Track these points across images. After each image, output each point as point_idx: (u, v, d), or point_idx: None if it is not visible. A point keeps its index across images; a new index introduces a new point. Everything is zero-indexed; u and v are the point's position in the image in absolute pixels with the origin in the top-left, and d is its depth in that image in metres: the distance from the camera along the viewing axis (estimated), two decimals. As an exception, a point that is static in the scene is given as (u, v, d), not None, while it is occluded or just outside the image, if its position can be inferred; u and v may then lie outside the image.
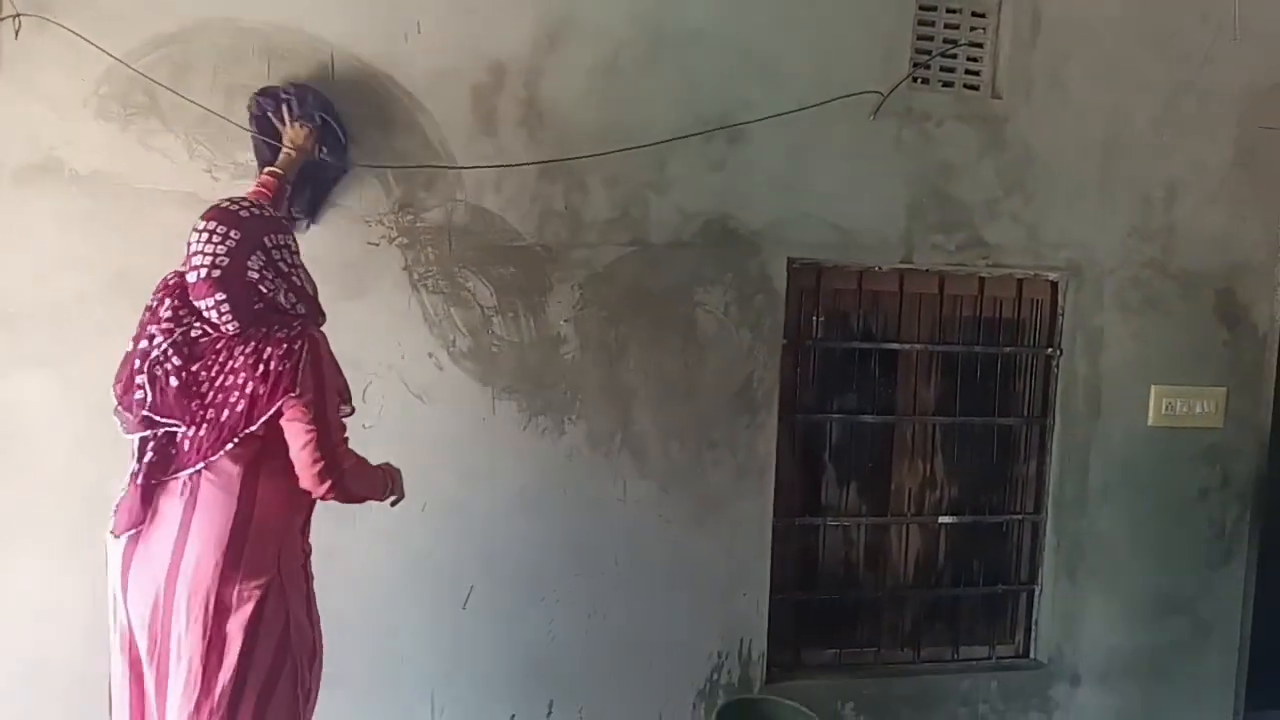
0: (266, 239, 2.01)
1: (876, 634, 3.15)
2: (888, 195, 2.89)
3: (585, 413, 2.73)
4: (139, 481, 1.97)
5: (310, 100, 2.46)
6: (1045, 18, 2.96)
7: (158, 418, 1.97)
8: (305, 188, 2.51)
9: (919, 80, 2.90)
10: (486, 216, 2.64)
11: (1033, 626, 3.20)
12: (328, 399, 2.00)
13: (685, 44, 2.72)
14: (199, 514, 1.96)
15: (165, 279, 2.08)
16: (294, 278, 2.06)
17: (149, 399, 1.96)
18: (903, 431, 3.13)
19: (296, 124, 2.43)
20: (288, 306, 2.02)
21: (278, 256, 2.02)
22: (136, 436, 1.99)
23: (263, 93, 2.45)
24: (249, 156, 2.48)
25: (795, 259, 2.85)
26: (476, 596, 2.70)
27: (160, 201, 2.46)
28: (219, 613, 1.94)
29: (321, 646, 2.13)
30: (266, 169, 2.39)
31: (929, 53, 2.91)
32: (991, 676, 3.11)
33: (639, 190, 2.73)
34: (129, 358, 2.03)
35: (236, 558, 1.95)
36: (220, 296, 1.95)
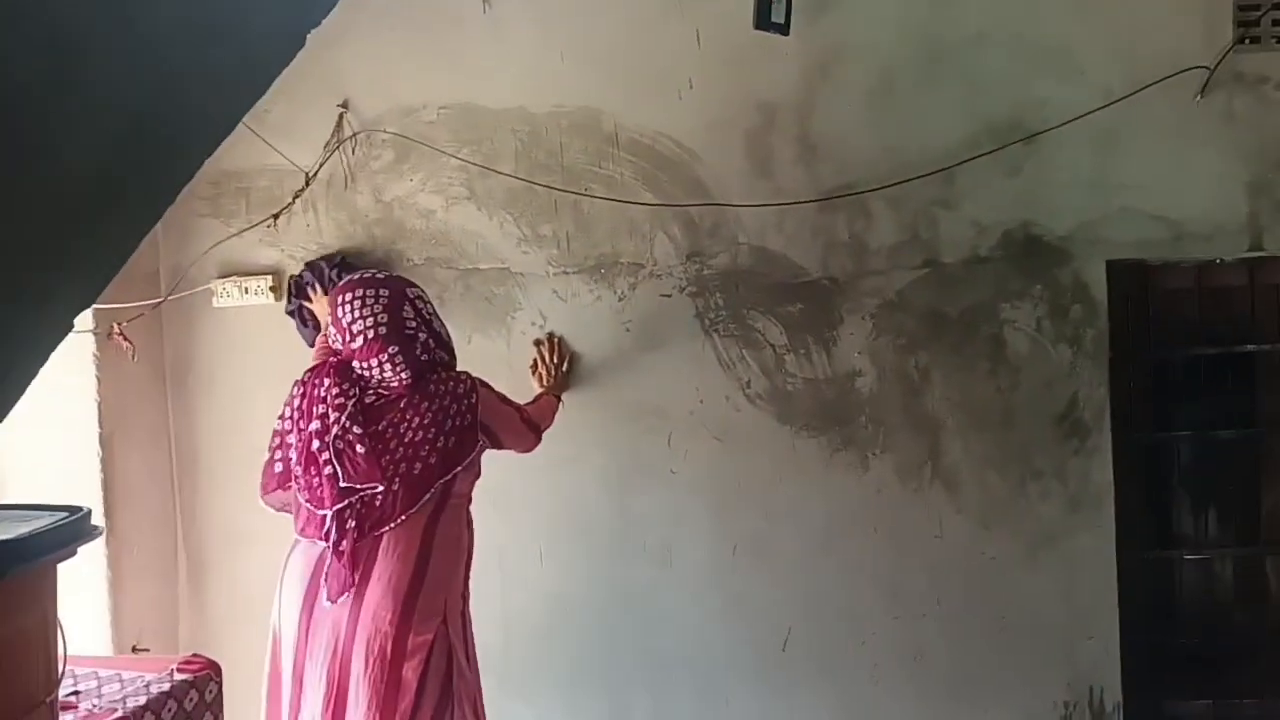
0: (407, 290, 2.21)
1: (1259, 683, 2.69)
2: (1223, 176, 2.51)
3: (890, 446, 2.62)
4: (344, 548, 2.03)
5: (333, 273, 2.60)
6: None
7: (357, 485, 2.06)
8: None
9: (1247, 40, 2.51)
10: (770, 256, 2.64)
11: None
12: (508, 405, 2.28)
13: (965, 49, 2.57)
14: (380, 563, 2.05)
15: (300, 380, 2.20)
16: (434, 324, 2.23)
17: (339, 472, 2.06)
18: (1271, 447, 2.69)
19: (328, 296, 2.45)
20: (434, 348, 2.19)
21: (420, 306, 2.21)
22: (332, 511, 2.06)
23: (309, 266, 2.68)
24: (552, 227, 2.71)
25: (1115, 261, 2.56)
26: (794, 639, 2.65)
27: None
28: (395, 658, 2.02)
29: (480, 690, 2.22)
30: (323, 343, 2.34)
31: (1257, 7, 2.52)
32: None
33: (926, 209, 2.60)
34: (287, 456, 2.15)
35: (411, 607, 2.04)
36: (393, 349, 2.12)
